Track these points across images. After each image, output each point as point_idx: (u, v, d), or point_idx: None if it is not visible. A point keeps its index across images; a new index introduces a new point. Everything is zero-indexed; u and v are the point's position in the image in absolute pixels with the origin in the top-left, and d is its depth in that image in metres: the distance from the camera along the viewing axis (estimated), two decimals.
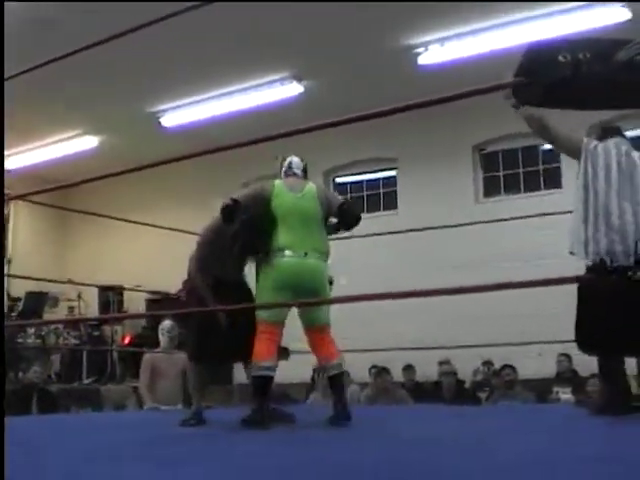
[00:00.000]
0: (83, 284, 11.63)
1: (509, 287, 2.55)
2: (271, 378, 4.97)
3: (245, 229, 5.17)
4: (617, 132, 5.79)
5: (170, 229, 7.72)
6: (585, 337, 5.23)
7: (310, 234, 5.28)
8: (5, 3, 4.48)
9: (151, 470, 2.75)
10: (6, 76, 3.84)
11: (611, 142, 5.43)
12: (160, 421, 6.31)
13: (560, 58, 2.16)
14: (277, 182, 5.44)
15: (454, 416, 6.44)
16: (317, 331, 5.26)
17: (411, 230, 8.95)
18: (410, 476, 2.67)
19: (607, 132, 5.74)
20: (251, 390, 4.99)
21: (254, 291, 5.32)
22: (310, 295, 5.08)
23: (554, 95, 2.29)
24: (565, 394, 9.83)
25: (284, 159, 5.76)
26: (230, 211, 5.14)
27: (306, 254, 5.13)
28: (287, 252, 5.08)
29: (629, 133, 11.57)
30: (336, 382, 5.18)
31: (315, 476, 2.67)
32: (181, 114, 12.66)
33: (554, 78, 2.23)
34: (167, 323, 8.86)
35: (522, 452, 3.34)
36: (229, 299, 5.02)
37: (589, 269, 4.73)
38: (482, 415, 6.89)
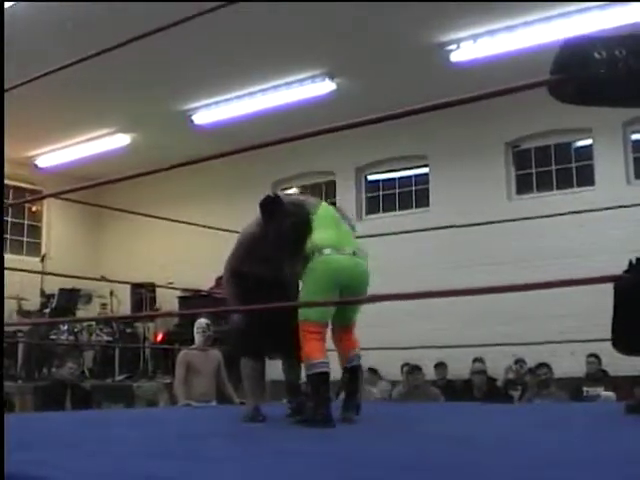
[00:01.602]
0: (116, 281, 11.72)
1: (544, 287, 2.53)
2: (328, 374, 4.88)
3: (293, 229, 5.11)
4: None
5: (202, 226, 7.73)
6: (622, 338, 5.21)
7: (350, 235, 5.32)
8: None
9: (196, 467, 2.75)
10: (36, 74, 3.86)
11: None
12: (203, 417, 6.32)
13: (595, 55, 2.14)
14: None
15: (491, 414, 6.43)
16: (349, 329, 5.26)
17: (443, 227, 8.92)
18: (435, 472, 2.66)
19: None
20: (310, 389, 4.93)
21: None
22: (355, 294, 5.07)
23: (589, 93, 2.26)
24: (604, 392, 9.80)
25: None
26: (270, 204, 5.16)
27: (354, 253, 5.10)
28: (337, 250, 5.01)
29: None
30: (356, 373, 5.19)
31: (343, 472, 2.66)
32: (213, 112, 12.68)
33: (589, 76, 2.21)
34: (202, 321, 8.92)
35: (552, 450, 3.32)
36: (272, 297, 4.98)
37: (628, 269, 4.69)
38: (518, 413, 6.85)
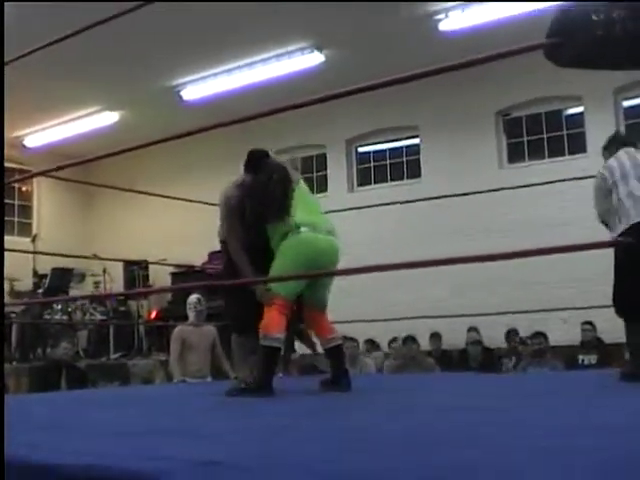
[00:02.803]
0: (108, 259, 11.66)
1: (539, 253, 2.50)
2: (279, 350, 5.04)
3: (280, 182, 5.08)
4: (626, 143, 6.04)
5: (193, 201, 7.69)
6: (624, 302, 5.23)
7: (325, 217, 5.43)
8: None
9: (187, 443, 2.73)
10: (18, 54, 3.81)
11: (621, 151, 5.77)
12: (192, 393, 6.29)
13: (593, 17, 2.10)
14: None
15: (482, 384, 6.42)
16: (322, 311, 5.36)
17: (434, 198, 8.89)
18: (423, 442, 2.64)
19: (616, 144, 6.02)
20: (259, 359, 4.98)
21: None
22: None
23: (587, 56, 2.22)
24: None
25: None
26: (258, 156, 5.27)
27: (329, 232, 5.17)
28: (314, 229, 5.07)
29: None
30: (340, 350, 5.33)
31: (335, 442, 2.64)
32: (201, 87, 12.62)
33: (586, 38, 2.17)
34: (193, 297, 8.90)
35: (538, 418, 3.30)
36: (262, 266, 4.99)
37: (625, 233, 4.70)
38: (505, 383, 6.84)
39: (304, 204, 5.20)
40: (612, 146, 6.08)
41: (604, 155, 6.15)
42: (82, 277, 13.21)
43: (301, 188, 5.33)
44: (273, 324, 4.91)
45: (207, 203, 7.28)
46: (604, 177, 5.71)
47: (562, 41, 2.17)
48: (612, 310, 5.47)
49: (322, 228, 5.13)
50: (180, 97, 12.85)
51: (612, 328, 6.92)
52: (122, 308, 13.90)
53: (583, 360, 9.98)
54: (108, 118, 13.95)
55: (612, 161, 5.78)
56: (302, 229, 5.01)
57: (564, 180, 8.60)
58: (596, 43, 2.13)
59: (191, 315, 8.83)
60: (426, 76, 2.61)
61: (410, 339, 10.32)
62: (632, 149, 5.91)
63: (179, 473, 2.01)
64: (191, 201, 7.77)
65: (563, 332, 10.47)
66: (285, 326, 5.01)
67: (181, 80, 12.52)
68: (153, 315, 14.20)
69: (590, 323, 10.12)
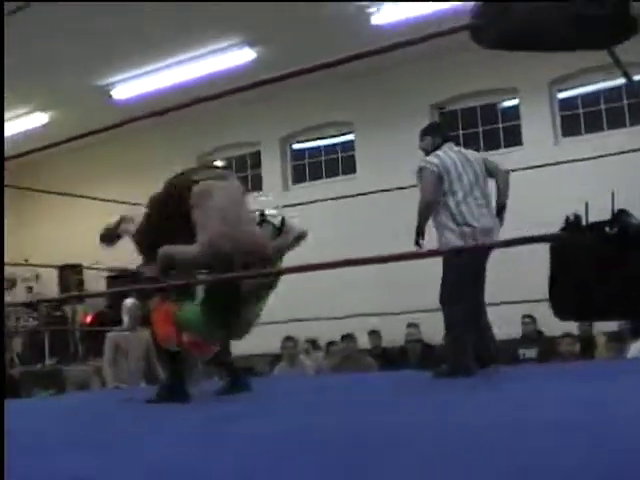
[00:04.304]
0: (40, 265, 11.42)
1: (478, 250, 2.40)
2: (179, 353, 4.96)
3: None
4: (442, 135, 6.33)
5: (124, 203, 7.52)
6: (561, 302, 5.19)
7: None
8: None
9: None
10: None
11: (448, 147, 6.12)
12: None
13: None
14: None
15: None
16: None
17: (371, 192, 8.80)
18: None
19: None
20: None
21: None
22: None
23: (510, 37, 2.12)
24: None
25: None
26: None
27: None
28: None
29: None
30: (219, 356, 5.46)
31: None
32: (131, 86, 12.39)
33: (509, 19, 2.07)
34: (129, 301, 8.70)
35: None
36: None
37: (563, 227, 4.68)
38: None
39: None
40: (437, 136, 6.17)
41: (423, 140, 6.21)
42: (13, 283, 12.92)
43: None
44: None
45: (134, 204, 7.09)
46: (436, 170, 5.86)
47: (484, 23, 2.06)
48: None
49: None
50: (110, 97, 12.58)
51: (552, 321, 6.87)
52: (57, 313, 13.63)
53: (524, 354, 9.95)
54: (38, 119, 13.63)
55: (444, 157, 5.94)
56: None
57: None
58: (518, 24, 2.04)
59: (126, 319, 8.64)
60: (349, 61, 2.50)
61: (348, 337, 10.21)
62: (458, 147, 6.26)
63: None
64: (121, 202, 7.59)
65: (503, 326, 10.40)
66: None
67: (110, 79, 12.28)
68: (89, 319, 13.94)
69: (530, 316, 10.08)
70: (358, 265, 3.44)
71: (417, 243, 6.02)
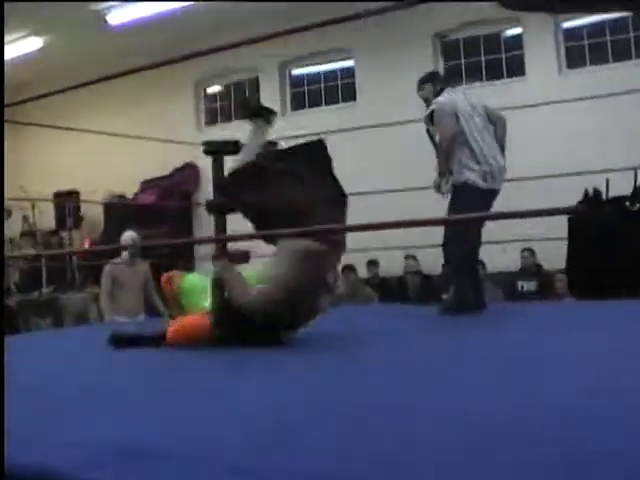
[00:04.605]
0: (37, 199, 11.33)
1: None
2: None
3: None
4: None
5: (116, 135, 7.40)
6: (577, 277, 5.24)
7: None
8: None
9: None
10: None
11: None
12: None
13: None
14: None
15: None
16: None
17: (372, 126, 8.69)
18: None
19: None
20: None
21: None
22: None
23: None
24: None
25: None
26: None
27: None
28: None
29: None
30: None
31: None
32: (127, 11, 12.09)
33: None
34: (129, 234, 8.61)
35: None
36: None
37: (582, 200, 4.64)
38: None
39: None
40: (437, 83, 6.17)
41: (423, 89, 6.19)
42: (8, 213, 12.78)
43: None
44: None
45: (138, 137, 7.01)
46: (449, 108, 5.88)
47: None
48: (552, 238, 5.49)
49: None
50: (106, 21, 12.32)
51: (551, 255, 6.83)
52: (54, 239, 13.56)
53: (522, 286, 9.92)
54: (33, 44, 13.36)
55: (453, 98, 6.00)
56: None
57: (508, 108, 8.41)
58: None
59: (124, 252, 8.56)
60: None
61: (348, 268, 10.17)
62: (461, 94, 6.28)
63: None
64: (117, 135, 7.48)
65: (503, 260, 10.36)
66: None
67: (106, 4, 12.01)
68: (86, 244, 13.90)
69: (530, 249, 10.03)
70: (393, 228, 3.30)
71: (439, 190, 6.04)
